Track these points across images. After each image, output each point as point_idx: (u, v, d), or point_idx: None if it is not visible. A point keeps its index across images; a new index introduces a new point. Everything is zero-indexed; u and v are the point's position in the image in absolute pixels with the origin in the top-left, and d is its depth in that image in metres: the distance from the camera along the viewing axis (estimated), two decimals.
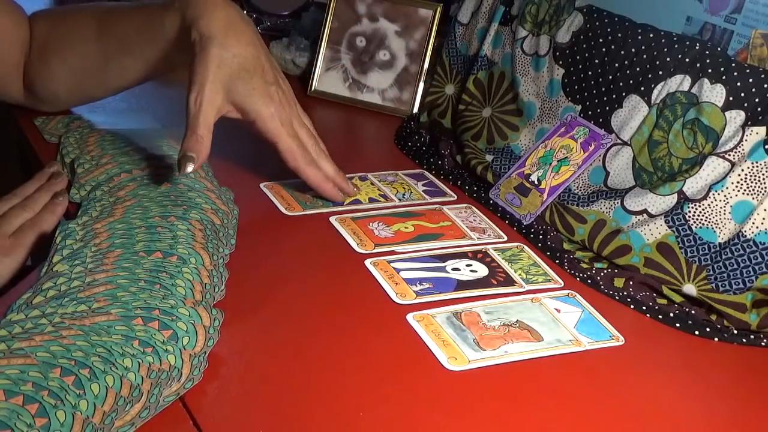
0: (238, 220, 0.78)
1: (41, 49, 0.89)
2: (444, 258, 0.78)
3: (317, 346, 0.64)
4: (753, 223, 0.72)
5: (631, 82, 0.82)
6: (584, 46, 0.87)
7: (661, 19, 0.83)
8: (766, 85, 0.73)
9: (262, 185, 0.88)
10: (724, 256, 0.73)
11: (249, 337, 0.64)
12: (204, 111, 0.74)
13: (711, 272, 0.73)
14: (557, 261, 0.80)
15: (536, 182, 0.86)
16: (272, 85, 0.78)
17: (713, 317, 0.73)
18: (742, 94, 0.74)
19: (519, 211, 0.86)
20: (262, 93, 0.77)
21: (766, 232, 0.71)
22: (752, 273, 0.71)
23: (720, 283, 0.72)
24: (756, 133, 0.73)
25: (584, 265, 0.78)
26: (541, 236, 0.83)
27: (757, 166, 0.72)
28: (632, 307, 0.74)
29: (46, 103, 0.94)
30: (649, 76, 0.80)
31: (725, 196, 0.73)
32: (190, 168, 0.72)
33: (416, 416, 0.58)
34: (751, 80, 0.73)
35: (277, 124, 0.78)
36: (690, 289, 0.74)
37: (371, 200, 0.88)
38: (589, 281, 0.77)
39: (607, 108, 0.84)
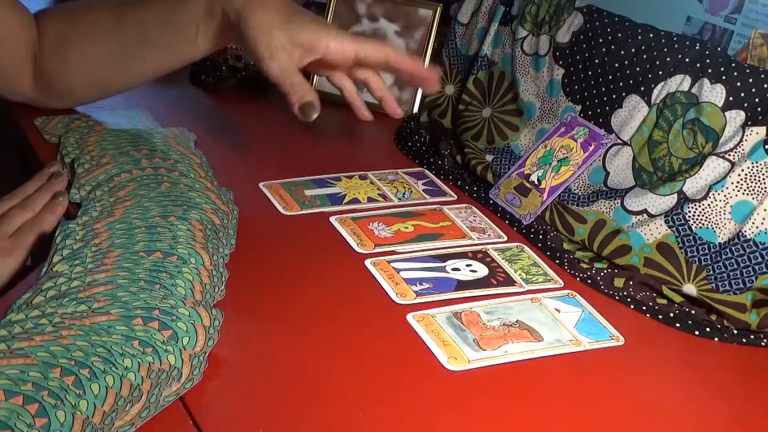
0: (238, 220, 0.78)
1: (58, 43, 0.89)
2: (444, 258, 0.78)
3: (317, 346, 0.64)
4: (753, 223, 0.72)
5: (631, 82, 0.82)
6: (584, 46, 0.87)
7: (661, 19, 0.83)
8: (766, 85, 0.73)
9: (261, 185, 0.88)
10: (724, 256, 0.73)
11: (249, 338, 0.64)
12: (288, 70, 0.78)
13: (711, 272, 0.73)
14: (557, 261, 0.80)
15: (536, 182, 0.86)
16: (317, 17, 0.82)
17: (713, 317, 0.73)
18: (742, 94, 0.74)
19: (519, 211, 0.86)
20: (316, 22, 0.80)
21: (766, 232, 0.71)
22: (752, 273, 0.71)
23: (720, 283, 0.72)
24: (756, 133, 0.73)
25: (584, 265, 0.78)
26: (541, 236, 0.83)
27: (757, 166, 0.72)
28: (632, 307, 0.74)
29: (60, 99, 0.94)
30: (649, 76, 0.80)
31: (725, 196, 0.73)
32: (314, 115, 0.77)
33: (416, 416, 0.58)
34: (751, 80, 0.73)
35: (348, 35, 0.81)
36: (690, 289, 0.74)
37: (370, 200, 0.88)
38: (589, 281, 0.77)
39: (607, 108, 0.84)
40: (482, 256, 0.79)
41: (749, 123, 0.73)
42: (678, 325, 0.72)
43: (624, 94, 0.83)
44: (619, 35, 0.83)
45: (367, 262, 0.75)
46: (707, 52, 0.77)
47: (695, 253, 0.74)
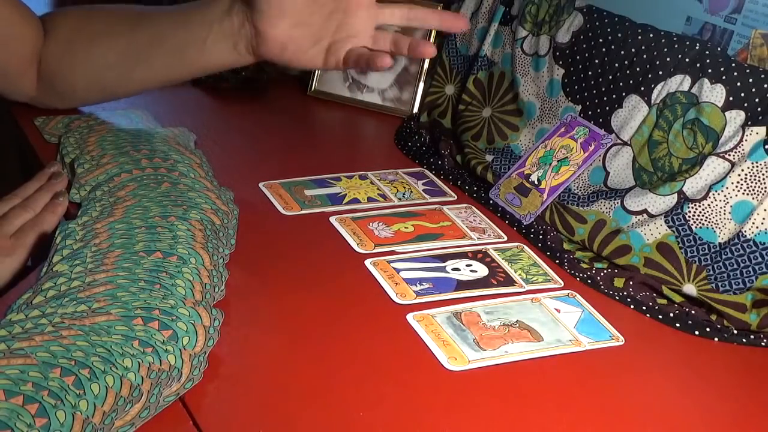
0: (238, 220, 0.78)
1: (69, 41, 0.89)
2: (444, 258, 0.78)
3: (317, 346, 0.64)
4: (753, 223, 0.72)
5: (631, 82, 0.82)
6: (584, 46, 0.87)
7: (661, 19, 0.83)
8: (766, 85, 0.73)
9: (261, 185, 0.88)
10: (724, 256, 0.73)
11: (249, 337, 0.64)
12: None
13: (711, 272, 0.73)
14: (557, 261, 0.80)
15: (536, 182, 0.86)
16: None
17: (713, 317, 0.73)
18: (742, 94, 0.74)
19: (519, 211, 0.86)
20: None
21: (766, 232, 0.71)
22: (752, 273, 0.71)
23: (720, 283, 0.72)
24: (756, 133, 0.73)
25: (584, 265, 0.78)
26: (541, 236, 0.83)
27: (757, 166, 0.72)
28: (632, 307, 0.74)
29: (60, 97, 0.94)
30: (649, 76, 0.80)
31: (725, 196, 0.73)
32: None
33: (416, 416, 0.58)
34: (751, 80, 0.73)
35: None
36: (690, 289, 0.74)
37: (370, 200, 0.88)
38: (589, 281, 0.77)
39: (607, 108, 0.84)
40: (482, 256, 0.79)
41: (749, 123, 0.73)
42: (678, 325, 0.72)
43: (624, 94, 0.83)
44: (619, 35, 0.83)
45: (367, 262, 0.75)
46: (707, 52, 0.77)
47: (695, 253, 0.74)
